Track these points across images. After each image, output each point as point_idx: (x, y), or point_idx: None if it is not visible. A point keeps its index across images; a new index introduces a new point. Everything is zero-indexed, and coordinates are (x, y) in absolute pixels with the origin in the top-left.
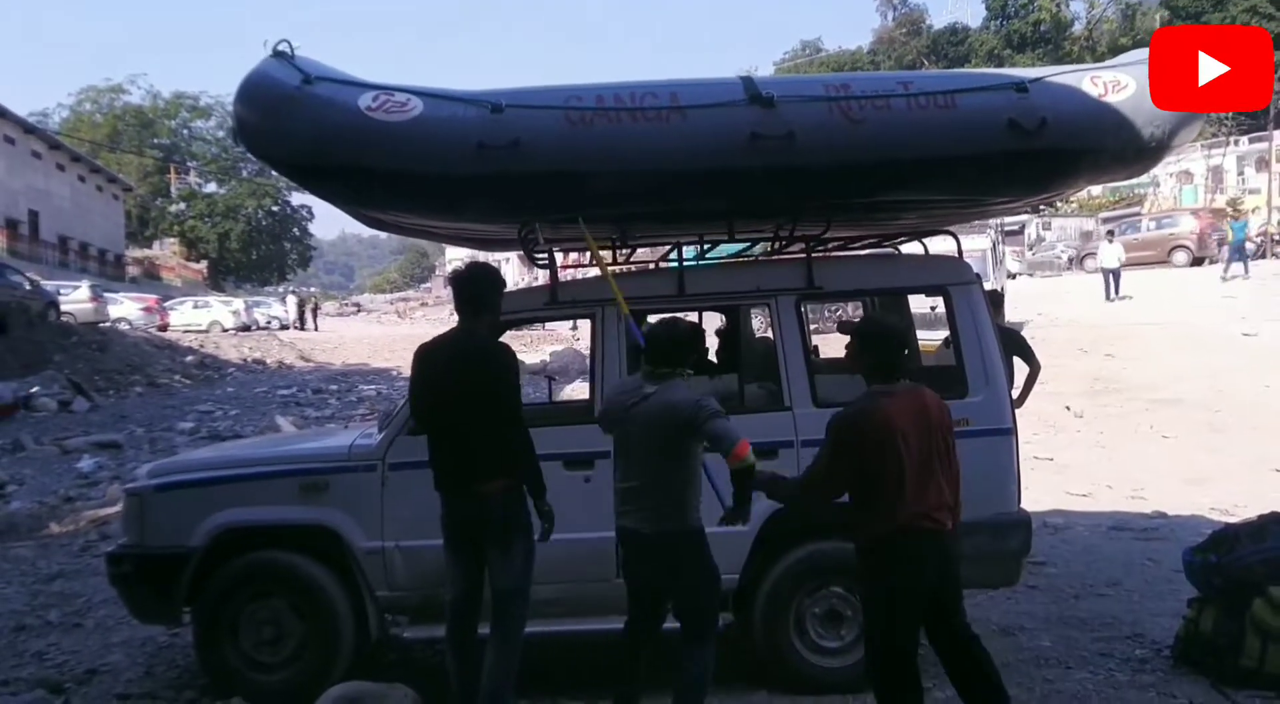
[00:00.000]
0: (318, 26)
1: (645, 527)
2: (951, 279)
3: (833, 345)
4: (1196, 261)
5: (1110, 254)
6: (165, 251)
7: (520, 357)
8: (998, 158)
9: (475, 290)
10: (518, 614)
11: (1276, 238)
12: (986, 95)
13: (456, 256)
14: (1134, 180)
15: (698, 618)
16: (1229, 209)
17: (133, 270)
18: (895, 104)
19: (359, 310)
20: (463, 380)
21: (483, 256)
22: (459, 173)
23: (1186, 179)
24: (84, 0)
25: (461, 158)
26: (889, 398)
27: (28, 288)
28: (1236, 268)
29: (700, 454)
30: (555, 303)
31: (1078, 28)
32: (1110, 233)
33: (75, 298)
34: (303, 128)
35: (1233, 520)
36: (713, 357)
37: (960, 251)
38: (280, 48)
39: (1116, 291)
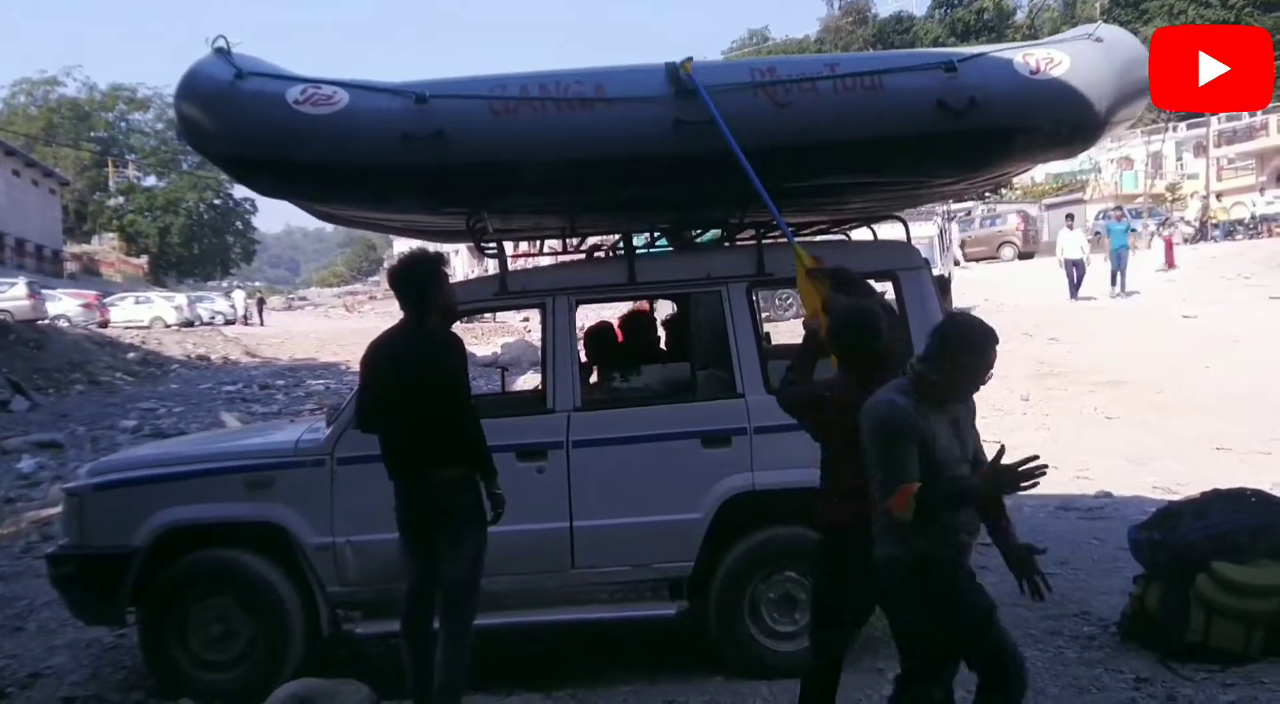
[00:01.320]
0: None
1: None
2: (900, 264)
3: (783, 333)
4: (1023, 256)
5: (1072, 243)
6: (104, 247)
7: (471, 349)
8: (927, 139)
9: (412, 283)
10: (467, 606)
11: (1214, 222)
12: (914, 75)
13: (405, 249)
14: (1075, 166)
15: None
16: (1114, 208)
17: (71, 266)
18: (821, 87)
19: (290, 305)
20: (412, 371)
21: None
22: (384, 164)
23: (1127, 165)
24: None
25: (386, 149)
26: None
27: None
28: (1134, 280)
29: None
30: (505, 293)
31: (1020, 16)
32: (1070, 216)
33: (11, 295)
34: (234, 122)
35: (1176, 498)
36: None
37: (909, 237)
38: (218, 44)
39: (1077, 290)
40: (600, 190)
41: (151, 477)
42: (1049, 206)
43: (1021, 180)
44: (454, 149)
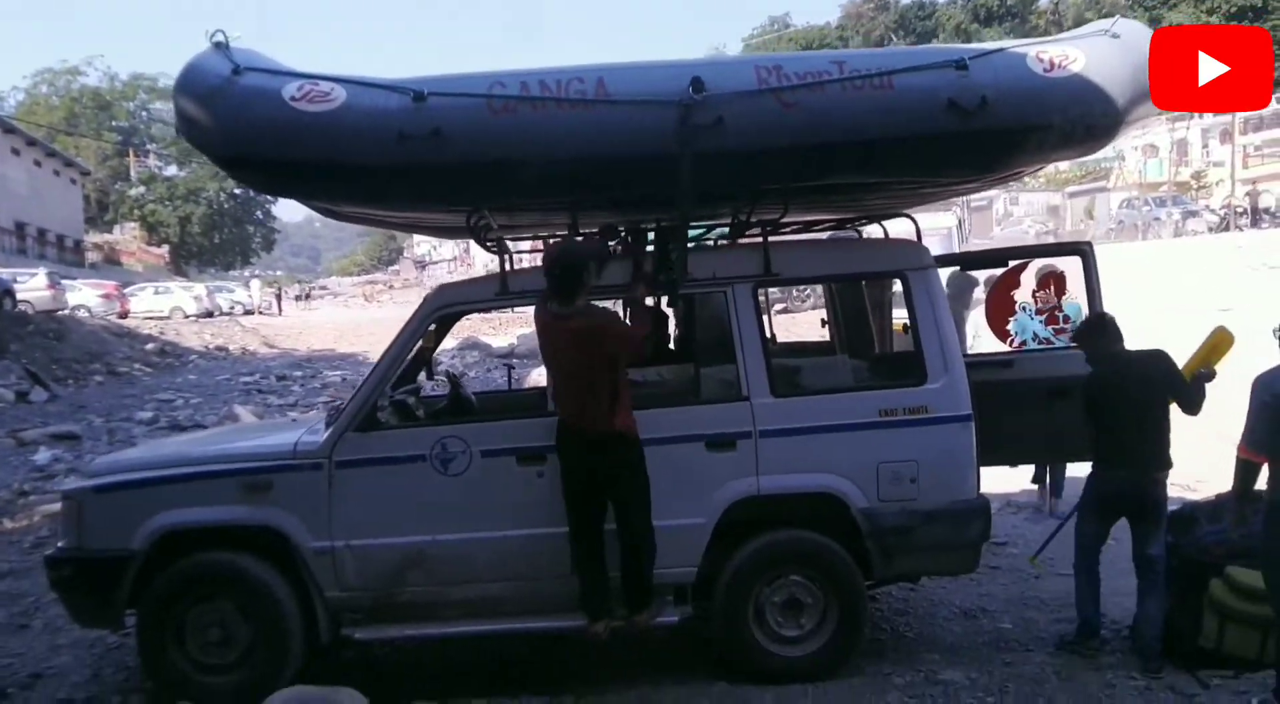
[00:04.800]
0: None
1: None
2: (909, 264)
3: (801, 324)
4: None
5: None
6: (126, 236)
7: (487, 340)
8: (938, 139)
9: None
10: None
11: (1240, 210)
12: (924, 74)
13: (424, 239)
14: (1099, 154)
15: None
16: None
17: (93, 256)
18: (829, 86)
19: (308, 295)
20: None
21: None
22: (381, 163)
23: (1151, 152)
24: None
25: (383, 148)
26: None
27: None
28: None
29: None
30: (505, 293)
31: (1044, 2)
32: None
33: (32, 285)
34: (230, 119)
35: (1195, 497)
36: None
37: (919, 235)
38: (217, 38)
39: None
40: (603, 190)
41: (149, 479)
42: (1071, 195)
43: (1045, 167)
44: (451, 148)
